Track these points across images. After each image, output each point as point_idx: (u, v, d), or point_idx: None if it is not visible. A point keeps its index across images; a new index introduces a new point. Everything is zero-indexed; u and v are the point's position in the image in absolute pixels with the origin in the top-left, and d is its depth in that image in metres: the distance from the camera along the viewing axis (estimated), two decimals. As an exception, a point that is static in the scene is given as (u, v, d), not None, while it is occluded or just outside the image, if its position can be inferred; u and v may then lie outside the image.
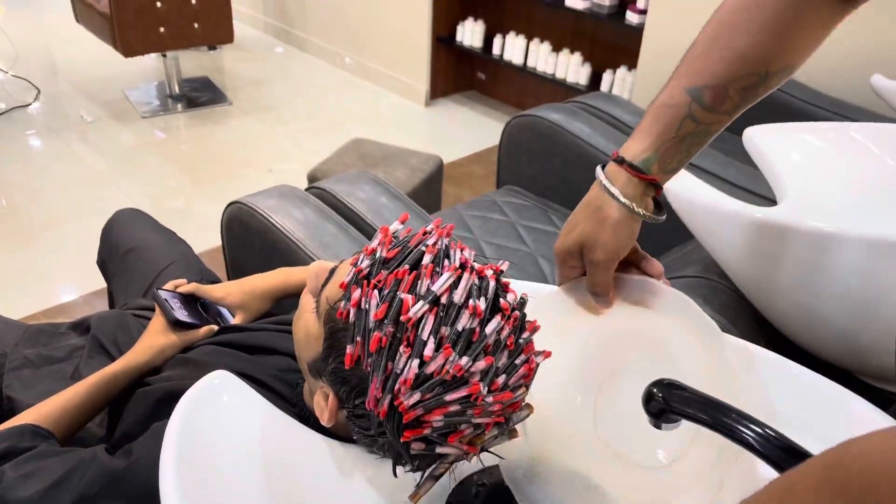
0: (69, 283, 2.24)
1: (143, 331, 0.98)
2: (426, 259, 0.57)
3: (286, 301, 1.05)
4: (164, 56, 3.34)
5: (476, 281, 0.57)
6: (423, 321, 0.54)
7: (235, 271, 1.44)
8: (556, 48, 3.16)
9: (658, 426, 0.55)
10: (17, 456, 0.70)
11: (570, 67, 3.08)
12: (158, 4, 2.99)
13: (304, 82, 3.89)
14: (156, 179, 2.86)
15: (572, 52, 3.10)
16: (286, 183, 1.42)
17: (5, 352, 1.07)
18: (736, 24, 0.66)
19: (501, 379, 0.56)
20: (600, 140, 1.65)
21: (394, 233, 0.62)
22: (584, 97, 1.88)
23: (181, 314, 0.97)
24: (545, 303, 0.74)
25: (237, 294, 1.02)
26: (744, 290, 1.07)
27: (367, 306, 0.56)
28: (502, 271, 0.61)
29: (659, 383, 0.55)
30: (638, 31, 2.62)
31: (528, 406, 0.62)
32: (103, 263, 1.36)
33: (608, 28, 3.05)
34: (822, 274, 0.96)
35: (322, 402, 0.65)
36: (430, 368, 0.53)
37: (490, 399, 0.55)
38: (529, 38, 3.21)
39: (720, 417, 0.51)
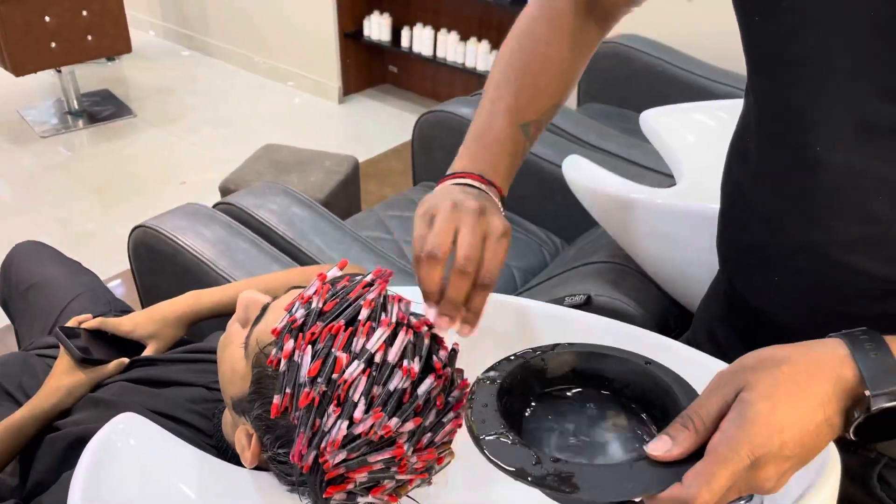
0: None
1: (49, 372, 0.94)
2: (363, 314, 0.56)
3: (203, 323, 1.03)
4: (59, 72, 3.19)
5: (411, 339, 0.56)
6: (356, 382, 0.53)
7: (148, 296, 1.40)
8: (464, 37, 3.17)
9: None
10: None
11: (479, 56, 3.10)
12: (47, 19, 2.84)
13: (213, 88, 3.78)
14: (63, 203, 2.74)
15: (479, 39, 3.12)
16: (201, 194, 1.39)
17: None
18: (538, 61, 0.75)
19: (427, 437, 0.56)
20: (508, 131, 1.67)
21: (332, 280, 0.60)
22: (491, 88, 1.90)
23: (86, 351, 0.93)
24: None
25: (146, 324, 0.99)
26: (648, 270, 1.11)
27: (299, 360, 0.55)
28: (432, 325, 0.59)
29: None
30: (541, 16, 2.67)
31: (451, 454, 0.61)
32: (5, 303, 1.30)
33: (514, 14, 3.07)
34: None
35: (244, 440, 0.64)
36: (359, 430, 0.53)
37: (414, 459, 0.56)
38: (437, 29, 3.21)
39: None
